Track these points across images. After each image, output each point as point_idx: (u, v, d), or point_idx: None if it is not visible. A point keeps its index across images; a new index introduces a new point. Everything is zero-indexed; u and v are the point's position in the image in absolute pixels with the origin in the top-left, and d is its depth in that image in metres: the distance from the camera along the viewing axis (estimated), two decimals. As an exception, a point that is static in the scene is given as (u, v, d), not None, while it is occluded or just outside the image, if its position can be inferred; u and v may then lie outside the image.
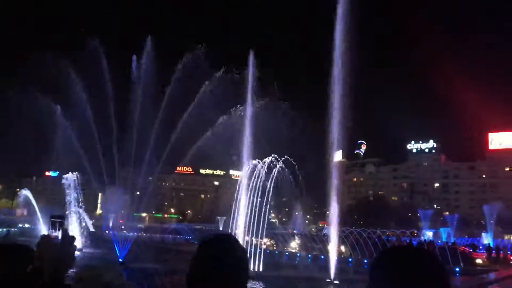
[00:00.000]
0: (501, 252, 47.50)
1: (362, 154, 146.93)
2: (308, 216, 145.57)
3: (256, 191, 31.77)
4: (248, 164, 32.99)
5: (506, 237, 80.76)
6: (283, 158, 32.06)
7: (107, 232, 57.61)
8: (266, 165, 32.02)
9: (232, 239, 2.22)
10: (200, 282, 2.05)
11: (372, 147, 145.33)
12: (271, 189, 31.20)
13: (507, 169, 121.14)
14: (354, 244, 46.02)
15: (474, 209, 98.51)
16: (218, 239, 2.20)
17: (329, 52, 33.08)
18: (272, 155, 32.13)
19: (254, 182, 32.02)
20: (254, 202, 31.24)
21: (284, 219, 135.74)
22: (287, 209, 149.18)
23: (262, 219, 31.04)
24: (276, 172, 31.47)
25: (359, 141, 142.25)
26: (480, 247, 56.05)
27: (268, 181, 31.35)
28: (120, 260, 33.01)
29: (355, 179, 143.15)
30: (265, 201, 30.94)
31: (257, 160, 32.91)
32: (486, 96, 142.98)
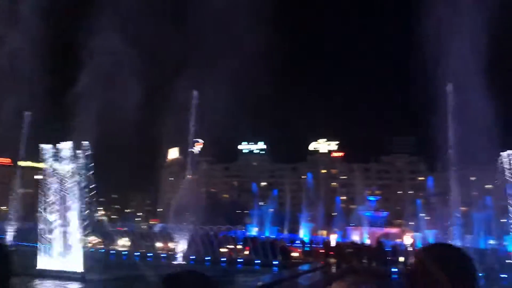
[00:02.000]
0: (314, 246, 52.77)
1: (197, 152, 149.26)
2: (139, 214, 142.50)
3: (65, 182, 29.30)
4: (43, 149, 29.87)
5: (319, 233, 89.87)
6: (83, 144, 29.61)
7: None
8: (65, 152, 29.30)
9: None
10: None
11: (207, 146, 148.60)
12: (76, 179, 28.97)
13: (323, 171, 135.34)
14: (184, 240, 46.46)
15: (296, 206, 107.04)
16: None
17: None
18: (70, 141, 29.61)
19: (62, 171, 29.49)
20: (74, 197, 29.05)
21: (114, 216, 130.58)
22: (118, 206, 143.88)
23: (79, 214, 29.05)
24: (76, 159, 29.24)
25: (194, 139, 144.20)
26: (297, 242, 61.41)
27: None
28: None
29: (190, 176, 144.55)
30: (77, 194, 28.92)
31: (50, 145, 30.01)
32: (310, 104, 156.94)
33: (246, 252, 46.25)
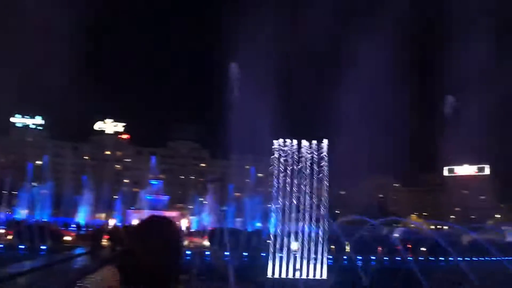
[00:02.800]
0: (90, 229, 50.68)
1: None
2: None
3: None
4: None
5: (98, 216, 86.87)
6: None
7: None
8: None
9: None
10: None
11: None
12: None
13: (108, 152, 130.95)
14: None
15: (75, 188, 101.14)
16: None
17: None
18: None
19: None
20: None
21: None
22: None
23: None
24: None
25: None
26: (73, 225, 58.32)
27: None
28: None
29: None
30: None
31: None
32: (98, 82, 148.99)
33: (10, 237, 41.63)
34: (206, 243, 44.10)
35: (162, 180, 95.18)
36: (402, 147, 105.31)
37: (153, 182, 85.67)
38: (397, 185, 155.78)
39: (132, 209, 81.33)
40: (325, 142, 28.36)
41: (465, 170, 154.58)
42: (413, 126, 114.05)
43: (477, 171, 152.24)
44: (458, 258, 30.99)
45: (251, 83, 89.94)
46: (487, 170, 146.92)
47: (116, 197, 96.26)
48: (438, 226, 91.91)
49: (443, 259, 33.36)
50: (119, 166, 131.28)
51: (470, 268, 25.07)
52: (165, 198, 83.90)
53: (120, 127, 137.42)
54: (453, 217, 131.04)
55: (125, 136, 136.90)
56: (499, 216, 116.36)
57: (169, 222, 2.20)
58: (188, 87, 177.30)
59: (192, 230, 67.84)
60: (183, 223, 71.71)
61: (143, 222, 2.24)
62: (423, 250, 41.58)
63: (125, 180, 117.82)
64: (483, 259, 37.87)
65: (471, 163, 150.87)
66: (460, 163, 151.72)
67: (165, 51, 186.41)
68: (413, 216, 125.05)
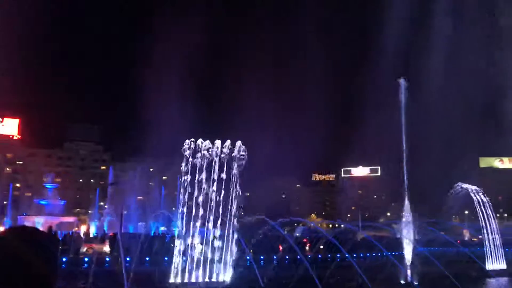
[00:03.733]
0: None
1: None
2: None
3: None
4: None
5: None
6: None
7: None
8: None
9: None
10: None
11: None
12: None
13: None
14: None
15: None
16: None
17: None
18: None
19: None
20: None
21: None
22: None
23: None
24: None
25: None
26: None
27: None
28: None
29: None
30: None
31: None
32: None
33: None
34: (107, 248, 42.43)
35: (58, 183, 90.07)
36: (305, 150, 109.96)
37: (48, 186, 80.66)
38: (299, 186, 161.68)
39: (25, 215, 75.89)
40: (238, 143, 27.37)
41: (360, 171, 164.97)
42: (316, 131, 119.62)
43: (370, 172, 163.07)
44: (354, 254, 33.00)
45: (158, 83, 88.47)
46: (379, 171, 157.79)
47: (6, 202, 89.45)
48: (336, 225, 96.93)
49: (338, 255, 35.33)
50: (9, 169, 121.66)
51: (359, 263, 26.90)
52: (61, 203, 79.41)
53: (9, 126, 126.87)
54: (349, 215, 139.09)
55: (16, 137, 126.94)
56: (389, 214, 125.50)
57: (27, 233, 2.14)
58: (91, 86, 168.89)
59: (92, 235, 64.97)
60: (82, 229, 68.49)
61: (18, 228, 2.17)
62: (321, 248, 43.68)
63: (16, 184, 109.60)
64: (374, 254, 40.72)
65: (365, 164, 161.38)
66: (355, 165, 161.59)
67: (64, 48, 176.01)
68: (313, 216, 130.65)
